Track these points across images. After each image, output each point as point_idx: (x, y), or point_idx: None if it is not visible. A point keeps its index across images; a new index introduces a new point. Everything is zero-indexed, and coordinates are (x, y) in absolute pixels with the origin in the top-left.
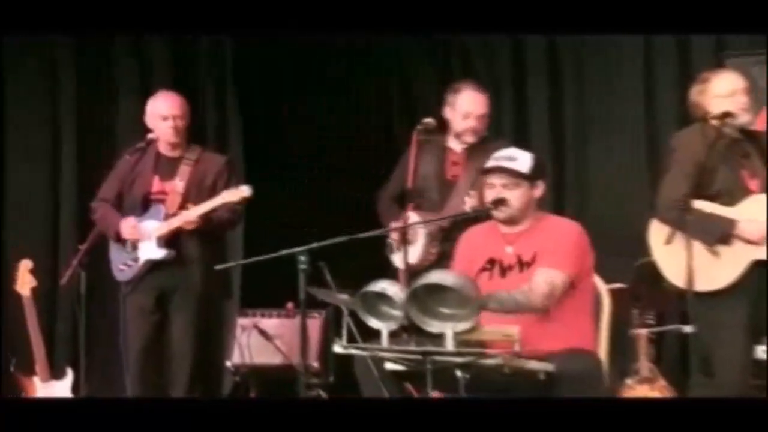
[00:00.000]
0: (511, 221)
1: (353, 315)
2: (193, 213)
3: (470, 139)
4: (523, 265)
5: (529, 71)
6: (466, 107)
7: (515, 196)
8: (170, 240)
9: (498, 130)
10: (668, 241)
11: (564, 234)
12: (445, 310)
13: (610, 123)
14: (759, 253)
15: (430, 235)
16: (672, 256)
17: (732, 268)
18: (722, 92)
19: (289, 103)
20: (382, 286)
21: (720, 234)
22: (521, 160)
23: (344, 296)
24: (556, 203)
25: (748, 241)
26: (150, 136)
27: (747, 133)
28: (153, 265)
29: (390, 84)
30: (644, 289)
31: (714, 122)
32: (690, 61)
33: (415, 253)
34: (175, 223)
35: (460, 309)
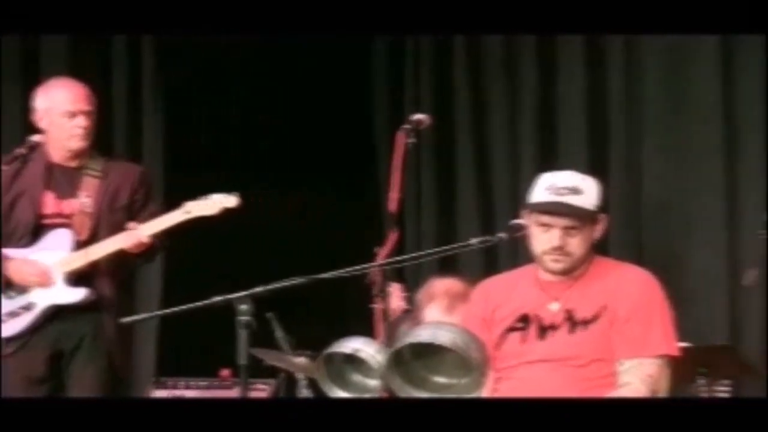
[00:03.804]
0: (570, 272)
1: (313, 385)
2: (148, 230)
3: None
4: (576, 324)
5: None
6: None
7: (577, 243)
8: (83, 277)
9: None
10: None
11: (637, 291)
12: (440, 379)
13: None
14: None
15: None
16: None
17: None
18: None
19: (224, 105)
20: (354, 346)
21: None
22: (588, 191)
23: (301, 359)
24: None
25: None
26: (34, 138)
27: None
28: (53, 314)
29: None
30: (720, 353)
31: None
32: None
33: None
34: (108, 248)
35: (459, 378)
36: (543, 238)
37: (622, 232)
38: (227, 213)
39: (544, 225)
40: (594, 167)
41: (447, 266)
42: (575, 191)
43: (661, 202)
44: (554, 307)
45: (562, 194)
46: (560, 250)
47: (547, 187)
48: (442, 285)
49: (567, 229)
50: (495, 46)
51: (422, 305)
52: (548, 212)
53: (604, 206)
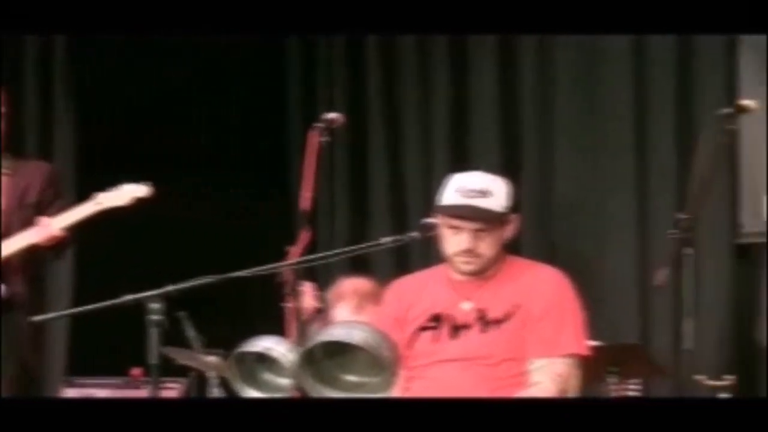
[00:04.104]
0: (480, 273)
1: (225, 384)
2: (60, 223)
3: None
4: (488, 323)
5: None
6: None
7: (488, 244)
8: None
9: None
10: None
11: (549, 290)
12: (351, 378)
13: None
14: None
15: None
16: None
17: None
18: None
19: (136, 102)
20: (265, 344)
21: None
22: (497, 193)
23: (212, 359)
24: None
25: None
26: None
27: None
28: None
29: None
30: (630, 352)
31: None
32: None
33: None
34: (19, 243)
35: (370, 377)
36: (453, 240)
37: (535, 231)
38: (139, 204)
39: (453, 227)
40: (506, 167)
41: (359, 265)
42: (484, 193)
43: (573, 202)
44: (466, 306)
45: (471, 197)
46: (470, 252)
47: (456, 188)
48: (350, 285)
49: (476, 232)
50: (408, 46)
51: (331, 305)
52: (457, 216)
53: (515, 206)
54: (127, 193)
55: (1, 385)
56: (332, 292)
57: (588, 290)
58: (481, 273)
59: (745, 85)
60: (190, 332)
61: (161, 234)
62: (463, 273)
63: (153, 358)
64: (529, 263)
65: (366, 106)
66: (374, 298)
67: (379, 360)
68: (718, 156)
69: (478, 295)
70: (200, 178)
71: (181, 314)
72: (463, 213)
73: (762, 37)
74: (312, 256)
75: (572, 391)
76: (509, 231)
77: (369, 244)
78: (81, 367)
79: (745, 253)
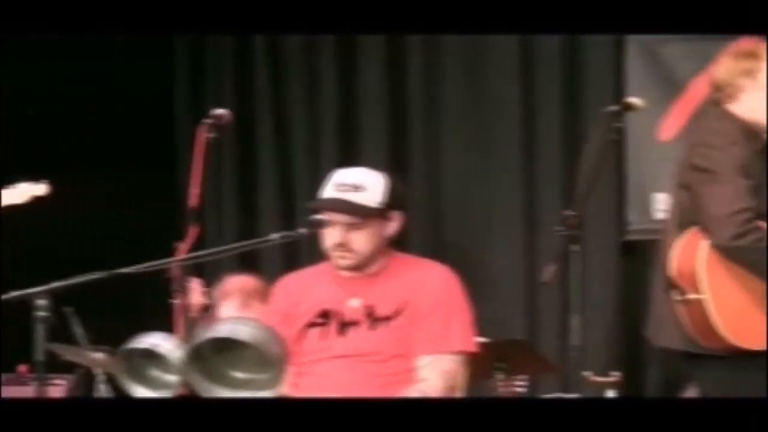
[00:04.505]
0: (359, 268)
1: (112, 381)
2: None
3: None
4: (376, 320)
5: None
6: None
7: (361, 240)
8: None
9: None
10: (726, 278)
11: (437, 287)
12: (239, 375)
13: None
14: None
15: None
16: (726, 296)
17: None
18: None
19: (27, 101)
20: (152, 341)
21: None
22: (372, 188)
23: (99, 355)
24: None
25: None
26: None
27: None
28: None
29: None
30: (517, 348)
31: (752, 119)
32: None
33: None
34: None
35: (259, 373)
36: (328, 234)
37: (423, 229)
38: (36, 202)
39: (331, 222)
40: (394, 165)
41: (248, 263)
42: (357, 188)
43: (461, 200)
44: (354, 303)
45: (343, 191)
46: (343, 246)
47: (333, 183)
48: (236, 282)
49: (349, 226)
50: (295, 44)
51: (217, 303)
52: (327, 209)
53: (396, 203)
54: (26, 192)
55: None
56: (218, 290)
57: (476, 287)
58: (359, 268)
59: (631, 83)
60: (77, 329)
61: (49, 231)
62: (341, 268)
63: (39, 355)
64: (416, 260)
65: (254, 102)
66: (260, 295)
67: (267, 356)
68: (604, 153)
69: (365, 292)
70: (89, 175)
71: (68, 310)
72: (332, 206)
73: (648, 37)
74: (200, 253)
75: (460, 388)
76: (391, 228)
77: (257, 240)
78: None
79: (631, 250)
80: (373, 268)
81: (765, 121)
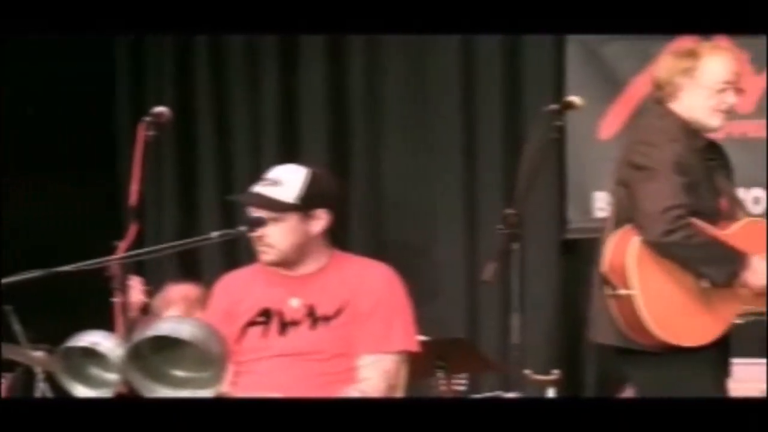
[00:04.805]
0: (283, 264)
1: (51, 379)
2: None
3: None
4: (317, 320)
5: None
6: None
7: (279, 235)
8: None
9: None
10: (655, 274)
11: (378, 286)
12: (180, 373)
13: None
14: (756, 303)
15: None
16: (661, 294)
17: (720, 319)
18: (720, 80)
19: None
20: (92, 339)
21: (731, 272)
22: (289, 183)
23: (39, 354)
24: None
25: (751, 287)
26: None
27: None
28: None
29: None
30: (458, 347)
31: (695, 116)
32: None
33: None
34: None
35: (199, 372)
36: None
37: (364, 228)
38: None
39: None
40: (335, 165)
41: (188, 263)
42: (275, 183)
43: (402, 199)
44: (294, 302)
45: (263, 186)
46: (260, 240)
47: (260, 180)
48: (178, 291)
49: (267, 221)
50: (236, 42)
51: (159, 311)
52: (242, 203)
53: (320, 200)
54: None
55: None
56: (160, 299)
57: (417, 286)
58: (287, 265)
59: (571, 82)
60: (16, 327)
61: None
62: (264, 263)
63: None
64: (357, 259)
65: (195, 102)
66: (202, 304)
67: (208, 355)
68: (545, 152)
69: (306, 291)
70: (30, 174)
71: (7, 309)
72: (247, 201)
73: (588, 36)
74: (140, 251)
75: (400, 387)
76: (315, 225)
77: (197, 238)
78: None
79: (571, 249)
80: (311, 267)
81: (704, 120)
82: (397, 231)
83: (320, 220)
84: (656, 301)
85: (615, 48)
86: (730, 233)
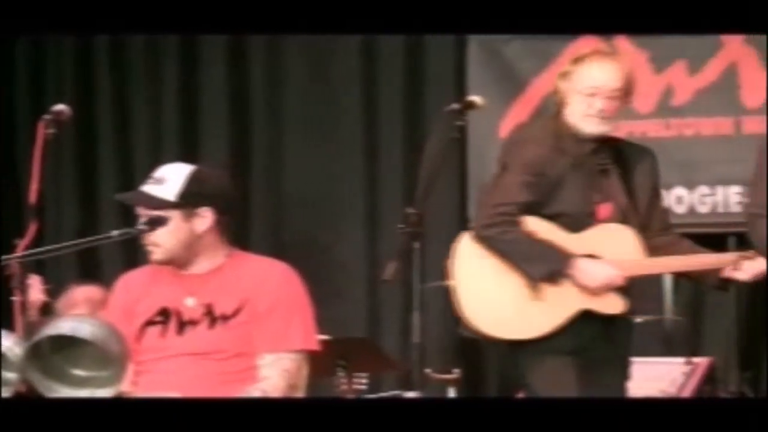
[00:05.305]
0: (173, 263)
1: None
2: None
3: None
4: (216, 319)
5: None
6: None
7: (162, 233)
8: None
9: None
10: (477, 267)
11: (276, 285)
12: (79, 372)
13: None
14: (591, 303)
15: None
16: (479, 286)
17: (551, 315)
18: (588, 85)
19: None
20: None
21: (548, 270)
22: (171, 181)
23: None
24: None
25: (581, 287)
26: None
27: (609, 142)
28: None
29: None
30: (359, 346)
31: (573, 121)
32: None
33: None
34: None
35: (99, 371)
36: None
37: (265, 227)
38: None
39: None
40: (236, 164)
41: (88, 258)
42: (159, 181)
43: (304, 198)
44: (190, 301)
45: (148, 184)
46: (147, 239)
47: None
48: (81, 293)
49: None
50: (137, 41)
51: (63, 312)
52: (126, 201)
53: (201, 198)
54: None
55: None
56: (64, 300)
57: (318, 284)
58: (173, 263)
59: (472, 81)
60: None
61: None
62: (153, 262)
63: None
64: (256, 258)
65: (95, 100)
66: (105, 305)
67: (107, 354)
68: (446, 151)
69: (204, 290)
70: None
71: None
72: (129, 199)
73: (489, 36)
74: (40, 249)
75: (301, 386)
76: (199, 223)
77: (98, 236)
78: None
79: None
80: (207, 265)
81: (578, 124)
82: (299, 230)
83: (204, 219)
84: (474, 293)
85: (516, 48)
86: (580, 236)
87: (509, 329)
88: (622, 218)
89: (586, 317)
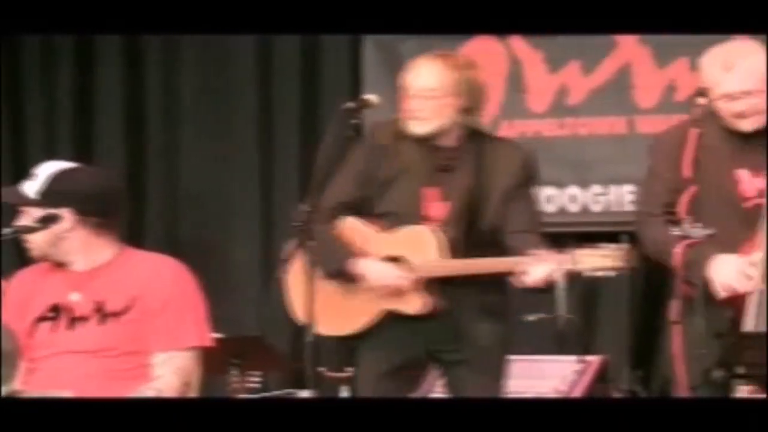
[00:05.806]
0: (50, 260)
1: None
2: None
3: None
4: (106, 316)
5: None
6: None
7: (41, 234)
8: None
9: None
10: (297, 266)
11: (168, 282)
12: None
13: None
14: (391, 303)
15: None
16: (298, 280)
17: (359, 314)
18: (409, 87)
19: None
20: None
21: (336, 269)
22: (38, 178)
23: None
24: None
25: (375, 287)
26: None
27: (469, 140)
28: None
29: None
30: (252, 345)
31: (404, 122)
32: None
33: None
34: None
35: None
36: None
37: (159, 225)
38: None
39: None
40: (131, 161)
41: None
42: (31, 177)
43: (198, 195)
44: (75, 297)
45: (28, 179)
46: (26, 237)
47: None
48: None
49: (25, 215)
50: (32, 41)
51: None
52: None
53: (60, 198)
54: None
55: None
56: None
57: (212, 282)
58: (50, 260)
59: (368, 80)
60: None
61: None
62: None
63: None
64: (147, 255)
65: None
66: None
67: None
68: (341, 149)
69: (90, 287)
70: None
71: None
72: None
73: (385, 37)
74: None
75: (195, 384)
76: (60, 225)
77: None
78: None
79: None
80: (93, 262)
81: (408, 126)
82: (194, 228)
83: (63, 218)
84: (296, 289)
85: (411, 46)
86: (388, 236)
87: (326, 326)
88: (459, 217)
89: (401, 318)
